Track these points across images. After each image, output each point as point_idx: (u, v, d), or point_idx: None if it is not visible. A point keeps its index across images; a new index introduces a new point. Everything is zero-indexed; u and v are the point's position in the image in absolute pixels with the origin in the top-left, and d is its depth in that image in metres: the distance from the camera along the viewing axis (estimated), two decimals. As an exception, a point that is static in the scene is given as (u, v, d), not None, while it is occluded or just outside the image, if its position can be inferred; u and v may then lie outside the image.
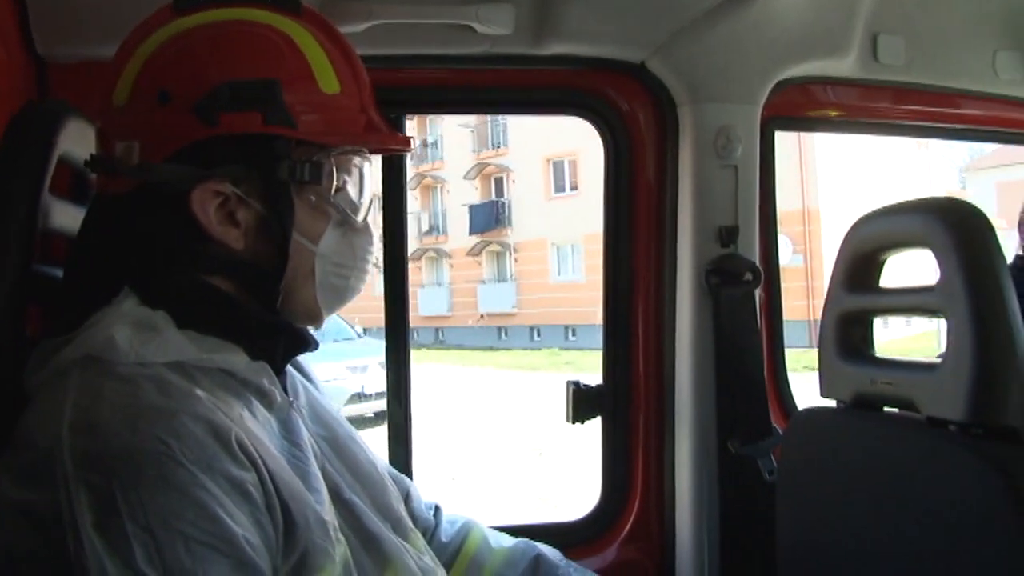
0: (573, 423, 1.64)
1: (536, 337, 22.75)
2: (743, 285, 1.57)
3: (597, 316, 1.74)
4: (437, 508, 1.19)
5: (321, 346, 0.96)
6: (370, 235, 0.95)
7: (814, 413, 1.15)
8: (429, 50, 1.49)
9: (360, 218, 0.93)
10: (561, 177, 23.06)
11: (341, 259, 0.91)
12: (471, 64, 1.52)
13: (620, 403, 1.65)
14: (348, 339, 11.36)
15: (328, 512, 0.83)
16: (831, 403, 1.12)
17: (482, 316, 24.31)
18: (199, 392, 0.77)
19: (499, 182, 25.06)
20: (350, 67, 0.91)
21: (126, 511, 0.68)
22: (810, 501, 1.10)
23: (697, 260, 1.56)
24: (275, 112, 0.83)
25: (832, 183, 22.22)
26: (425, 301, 24.89)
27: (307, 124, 0.86)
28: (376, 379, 9.30)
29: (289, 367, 0.98)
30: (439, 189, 26.52)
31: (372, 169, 0.96)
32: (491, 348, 22.50)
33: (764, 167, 1.61)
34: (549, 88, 1.62)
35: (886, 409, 0.99)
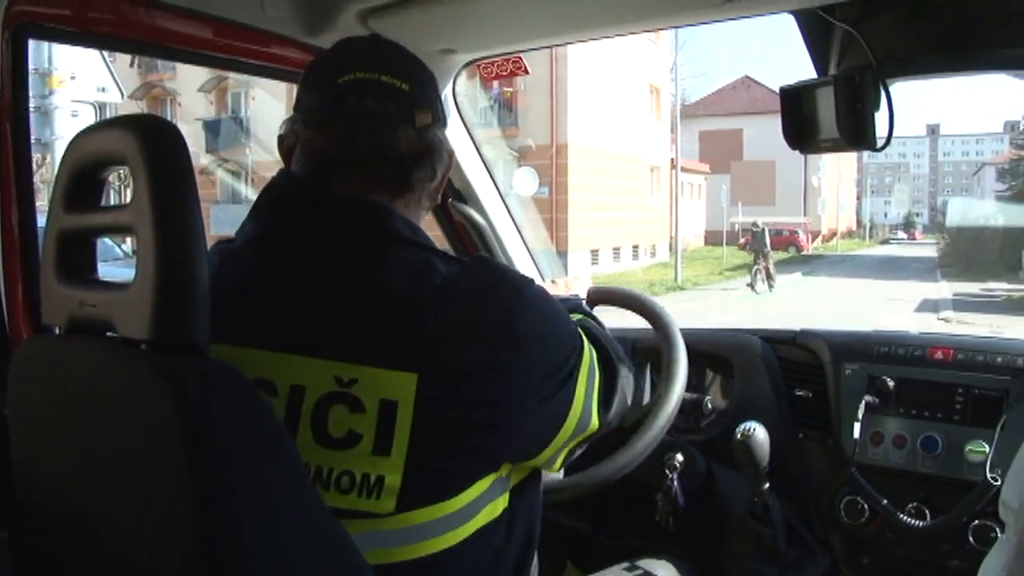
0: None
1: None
2: None
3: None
4: None
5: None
6: None
7: (38, 342, 1.11)
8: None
9: None
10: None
11: None
12: None
13: None
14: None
15: None
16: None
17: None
18: None
19: (236, 97, 23.11)
20: None
21: None
22: (44, 436, 1.02)
23: None
24: None
25: (580, 118, 22.84)
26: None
27: None
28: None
29: None
30: (169, 101, 24.08)
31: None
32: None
33: (16, 75, 1.35)
34: None
35: (110, 334, 0.91)
